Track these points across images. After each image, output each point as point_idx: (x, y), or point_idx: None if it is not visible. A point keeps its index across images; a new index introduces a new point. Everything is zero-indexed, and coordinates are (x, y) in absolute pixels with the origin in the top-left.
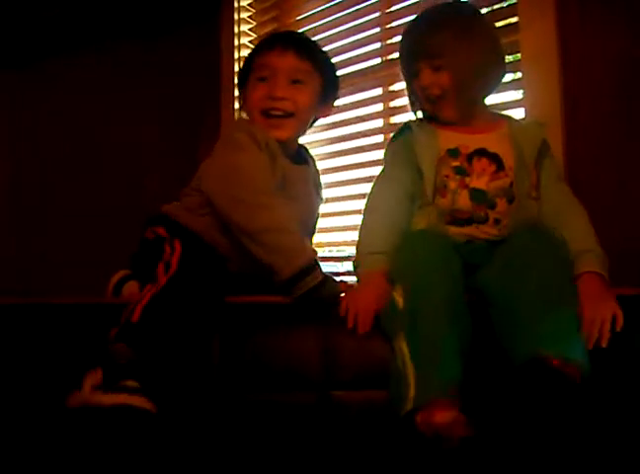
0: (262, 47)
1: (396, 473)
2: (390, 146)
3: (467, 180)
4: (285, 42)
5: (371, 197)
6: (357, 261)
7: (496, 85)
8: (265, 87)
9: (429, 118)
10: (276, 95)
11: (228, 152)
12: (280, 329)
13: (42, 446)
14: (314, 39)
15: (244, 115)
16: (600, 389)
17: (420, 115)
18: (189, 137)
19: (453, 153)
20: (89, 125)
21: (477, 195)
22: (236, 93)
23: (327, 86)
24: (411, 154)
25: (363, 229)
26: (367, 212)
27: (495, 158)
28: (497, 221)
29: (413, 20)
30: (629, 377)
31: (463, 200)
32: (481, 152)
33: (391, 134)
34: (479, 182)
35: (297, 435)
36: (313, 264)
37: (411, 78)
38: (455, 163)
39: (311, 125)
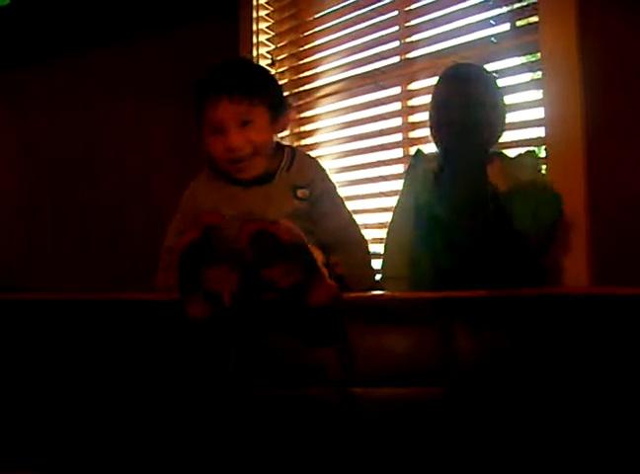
0: (200, 96)
1: (413, 470)
2: (407, 176)
3: None
4: (217, 91)
5: (391, 227)
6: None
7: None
8: (220, 139)
9: None
10: (231, 146)
11: None
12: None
13: None
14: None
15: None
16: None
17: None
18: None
19: None
20: (100, 120)
21: None
22: None
23: (274, 108)
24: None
25: (386, 255)
26: (389, 240)
27: None
28: None
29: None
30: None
31: None
32: None
33: (409, 133)
34: None
35: (315, 432)
36: None
37: None
38: None
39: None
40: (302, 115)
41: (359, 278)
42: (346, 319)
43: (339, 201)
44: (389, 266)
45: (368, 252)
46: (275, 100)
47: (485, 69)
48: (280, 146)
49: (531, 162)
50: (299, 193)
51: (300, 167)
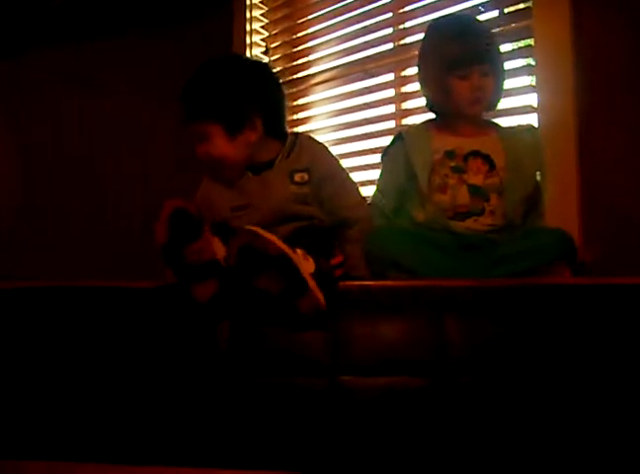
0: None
1: (404, 458)
2: (385, 155)
3: (465, 177)
4: (184, 112)
5: (373, 201)
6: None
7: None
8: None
9: (431, 121)
10: (198, 156)
11: None
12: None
13: None
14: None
15: None
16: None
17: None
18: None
19: (450, 155)
20: (93, 121)
21: (475, 190)
22: None
23: (229, 122)
24: (405, 158)
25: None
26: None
27: (487, 159)
28: (492, 212)
29: (447, 26)
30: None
31: (462, 195)
32: (475, 153)
33: (402, 120)
34: (476, 179)
35: (305, 420)
36: None
37: (449, 80)
38: (452, 163)
39: (280, 127)
40: (296, 102)
41: (359, 255)
42: (336, 308)
43: (345, 181)
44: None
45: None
46: (231, 114)
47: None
48: (282, 134)
49: (531, 138)
50: (297, 177)
51: (300, 152)
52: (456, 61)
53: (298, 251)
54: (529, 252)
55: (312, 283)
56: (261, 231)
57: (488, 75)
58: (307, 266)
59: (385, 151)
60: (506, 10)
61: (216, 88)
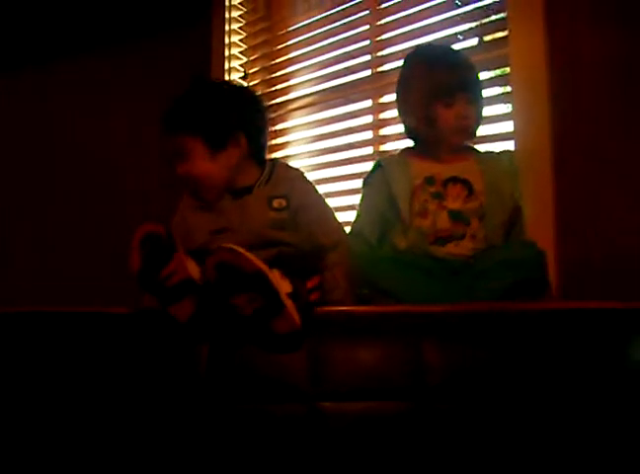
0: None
1: None
2: (365, 183)
3: (444, 203)
4: (164, 124)
5: (353, 228)
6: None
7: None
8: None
9: (409, 149)
10: (177, 175)
11: None
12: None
13: None
14: (300, 52)
15: None
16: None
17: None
18: None
19: (430, 181)
20: (76, 127)
21: (455, 215)
22: None
23: (211, 139)
24: (385, 186)
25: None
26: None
27: (466, 183)
28: (473, 237)
29: (431, 54)
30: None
31: (443, 220)
32: (454, 179)
33: (380, 146)
34: (455, 204)
35: (285, 447)
36: None
37: (435, 107)
38: (432, 189)
39: (260, 153)
40: (274, 127)
41: (340, 278)
42: (315, 332)
43: (322, 209)
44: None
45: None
46: (214, 128)
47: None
48: (262, 160)
49: (507, 162)
50: (275, 203)
51: (278, 178)
52: (442, 89)
53: (275, 271)
54: (508, 264)
55: (289, 303)
56: (238, 248)
57: (472, 103)
58: (284, 286)
59: (365, 180)
60: (484, 39)
61: (201, 101)
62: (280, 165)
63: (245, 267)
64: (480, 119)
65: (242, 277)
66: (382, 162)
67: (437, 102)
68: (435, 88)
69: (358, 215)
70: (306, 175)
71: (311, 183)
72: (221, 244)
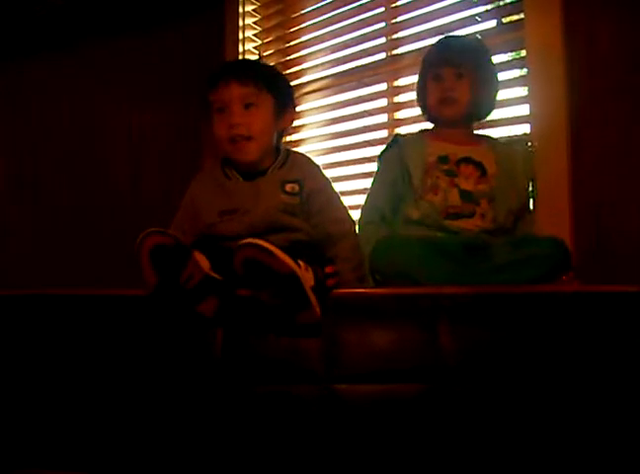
0: (210, 85)
1: (398, 466)
2: (381, 157)
3: (456, 180)
4: (227, 75)
5: (368, 199)
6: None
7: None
8: (223, 118)
9: (426, 130)
10: (232, 122)
11: None
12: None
13: None
14: (311, 36)
15: None
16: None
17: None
18: (191, 130)
19: (444, 159)
20: (89, 118)
21: (465, 195)
22: None
23: (279, 100)
24: (400, 161)
25: (362, 221)
26: (365, 212)
27: (479, 165)
28: (482, 216)
29: (441, 39)
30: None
31: (453, 197)
32: (467, 160)
33: (395, 130)
34: (467, 184)
35: (299, 429)
36: None
37: (427, 82)
38: (445, 167)
39: (281, 137)
40: None
41: (348, 272)
42: (331, 316)
43: (334, 197)
44: (365, 238)
45: (360, 247)
46: (281, 93)
47: (480, 42)
48: (277, 148)
49: (522, 149)
50: (287, 187)
51: (293, 164)
52: (430, 62)
53: (301, 263)
54: (531, 259)
55: (313, 299)
56: (270, 246)
57: (462, 78)
58: (308, 278)
59: (381, 154)
60: (503, 20)
61: (273, 67)
62: (297, 154)
63: (277, 267)
64: (488, 101)
65: (273, 276)
66: (399, 138)
67: (428, 74)
68: (426, 62)
69: (372, 187)
70: (320, 163)
71: (325, 175)
72: (231, 229)
